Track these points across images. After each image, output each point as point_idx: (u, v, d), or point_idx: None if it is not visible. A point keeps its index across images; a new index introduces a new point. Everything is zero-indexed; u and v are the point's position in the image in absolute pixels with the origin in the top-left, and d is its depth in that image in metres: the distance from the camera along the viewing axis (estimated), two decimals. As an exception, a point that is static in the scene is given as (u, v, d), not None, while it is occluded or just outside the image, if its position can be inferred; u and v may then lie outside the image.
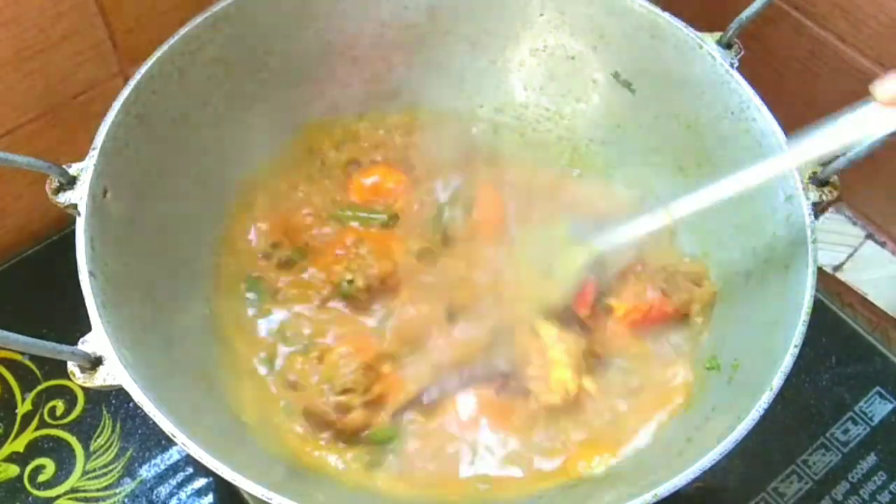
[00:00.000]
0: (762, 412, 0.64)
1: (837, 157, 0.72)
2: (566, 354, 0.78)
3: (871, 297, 0.94)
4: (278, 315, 0.84)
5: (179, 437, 0.62)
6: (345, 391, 0.76)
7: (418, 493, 0.75)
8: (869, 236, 1.01)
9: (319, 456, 0.76)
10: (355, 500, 0.74)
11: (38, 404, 0.86)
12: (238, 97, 0.86)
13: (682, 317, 0.81)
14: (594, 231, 0.80)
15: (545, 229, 0.85)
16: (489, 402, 0.79)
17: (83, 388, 0.77)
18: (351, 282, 0.82)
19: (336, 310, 0.84)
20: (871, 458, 0.85)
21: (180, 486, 0.84)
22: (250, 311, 0.84)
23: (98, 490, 0.83)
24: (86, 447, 0.85)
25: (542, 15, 0.90)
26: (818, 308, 0.69)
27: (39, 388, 0.87)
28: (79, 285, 0.66)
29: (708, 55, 0.81)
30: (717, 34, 0.81)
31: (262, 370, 0.81)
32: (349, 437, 0.77)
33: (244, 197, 0.88)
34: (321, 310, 0.84)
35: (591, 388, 0.78)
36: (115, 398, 0.87)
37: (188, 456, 0.78)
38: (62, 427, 0.86)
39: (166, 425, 0.62)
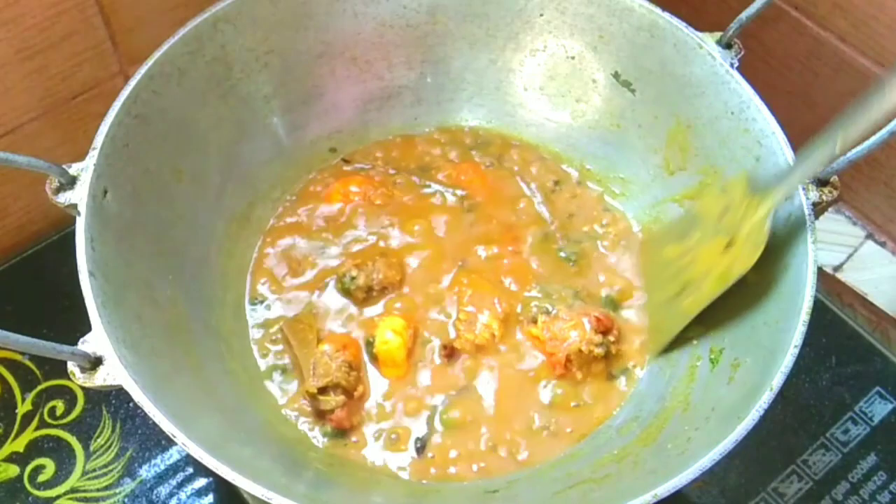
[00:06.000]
0: (762, 412, 0.64)
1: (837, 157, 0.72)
2: (497, 304, 0.83)
3: (870, 297, 0.94)
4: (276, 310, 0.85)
5: (179, 437, 0.62)
6: (324, 389, 0.78)
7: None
8: (869, 236, 1.01)
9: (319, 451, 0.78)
10: (358, 499, 0.75)
11: (38, 404, 0.86)
12: (237, 97, 0.86)
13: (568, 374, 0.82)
14: (770, 179, 0.76)
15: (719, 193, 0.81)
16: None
17: (83, 388, 0.77)
18: (354, 278, 0.83)
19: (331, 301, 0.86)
20: (871, 458, 0.85)
21: (180, 486, 0.83)
22: (249, 310, 0.85)
23: (98, 490, 0.83)
24: (86, 447, 0.85)
25: (542, 15, 0.91)
26: (818, 308, 0.69)
27: (39, 387, 0.87)
28: (79, 285, 0.66)
29: (708, 55, 0.81)
30: (717, 34, 0.82)
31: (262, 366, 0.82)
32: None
33: (244, 196, 0.88)
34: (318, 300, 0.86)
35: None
36: (115, 398, 0.87)
37: (188, 456, 0.78)
38: (62, 427, 0.86)
39: (166, 425, 0.62)
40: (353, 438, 0.78)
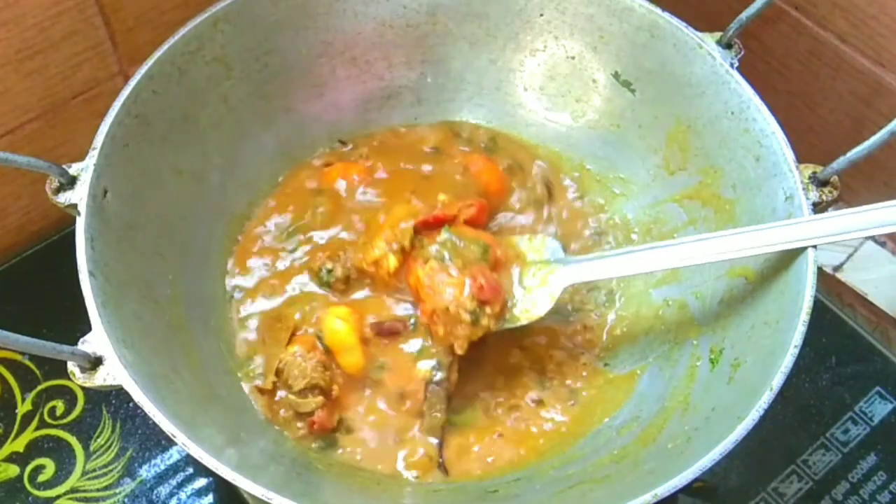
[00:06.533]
0: (762, 412, 0.64)
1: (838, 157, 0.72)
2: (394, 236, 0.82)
3: (870, 297, 0.94)
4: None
5: (179, 438, 0.62)
6: (303, 391, 0.77)
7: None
8: (869, 236, 1.01)
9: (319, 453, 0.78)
10: (358, 499, 0.75)
11: (38, 404, 0.87)
12: (238, 97, 0.86)
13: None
14: (577, 261, 0.81)
15: (527, 243, 0.84)
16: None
17: (83, 388, 0.78)
18: (330, 271, 0.83)
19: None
20: (871, 458, 0.86)
21: (180, 486, 0.84)
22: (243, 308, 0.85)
23: (98, 490, 0.83)
24: (86, 447, 0.85)
25: (542, 15, 0.91)
26: (818, 308, 0.69)
27: (39, 387, 0.87)
28: (79, 285, 0.66)
29: (708, 55, 0.81)
30: (717, 34, 0.82)
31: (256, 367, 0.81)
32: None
33: (244, 196, 0.89)
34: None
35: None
36: (115, 398, 0.87)
37: (188, 456, 0.78)
38: (62, 427, 0.86)
39: (166, 425, 0.62)
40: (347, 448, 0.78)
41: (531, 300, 0.80)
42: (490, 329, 0.78)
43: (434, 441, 0.78)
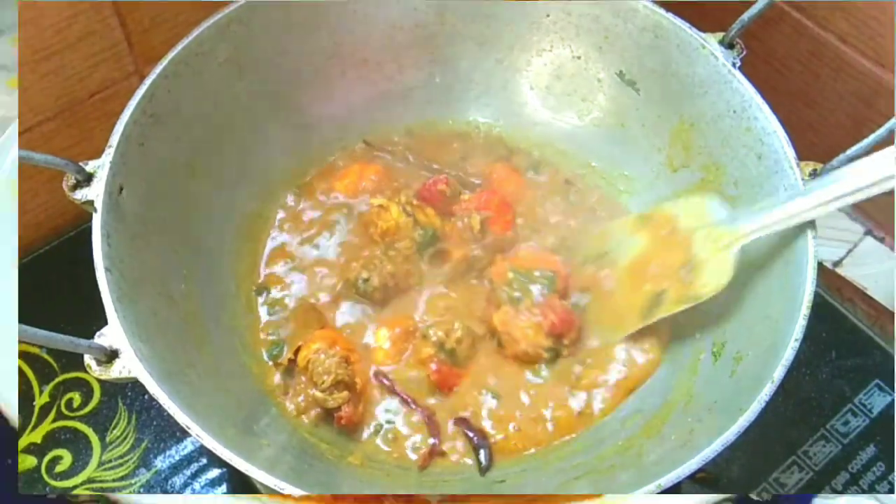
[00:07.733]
0: (763, 404, 0.65)
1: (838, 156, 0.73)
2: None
3: (870, 292, 0.94)
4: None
5: (194, 429, 0.63)
6: (330, 388, 0.78)
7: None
8: (868, 232, 1.01)
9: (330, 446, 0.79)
10: (369, 488, 0.75)
11: (55, 396, 0.87)
12: (250, 97, 0.87)
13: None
14: (749, 215, 0.77)
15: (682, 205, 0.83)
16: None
17: (99, 381, 0.79)
18: (367, 280, 0.84)
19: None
20: (871, 450, 0.86)
21: (194, 476, 0.84)
22: (262, 307, 0.86)
23: (114, 480, 0.84)
24: (102, 438, 0.86)
25: (548, 16, 0.92)
26: (818, 302, 0.70)
27: (57, 380, 0.88)
28: (95, 280, 0.67)
29: (711, 55, 0.82)
30: (720, 34, 0.83)
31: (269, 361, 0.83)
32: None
33: (257, 193, 0.90)
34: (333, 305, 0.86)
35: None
36: (131, 390, 0.88)
37: (202, 447, 0.79)
38: (79, 419, 0.86)
39: (181, 417, 0.63)
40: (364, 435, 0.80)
41: (709, 270, 0.78)
42: (570, 356, 0.82)
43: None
